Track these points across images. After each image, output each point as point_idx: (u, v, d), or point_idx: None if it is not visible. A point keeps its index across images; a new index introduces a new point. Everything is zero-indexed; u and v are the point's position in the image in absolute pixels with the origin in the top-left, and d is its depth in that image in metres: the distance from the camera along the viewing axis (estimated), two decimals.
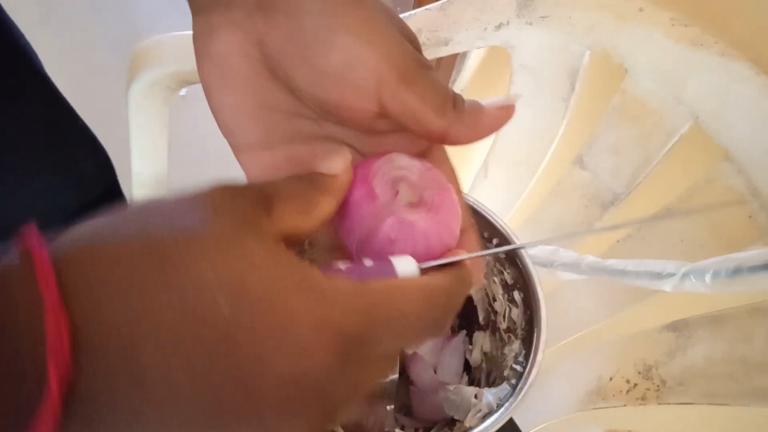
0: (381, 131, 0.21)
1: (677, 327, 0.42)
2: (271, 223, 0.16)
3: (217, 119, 0.22)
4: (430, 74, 0.20)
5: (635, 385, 0.43)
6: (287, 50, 0.19)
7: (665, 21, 0.43)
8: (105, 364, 0.13)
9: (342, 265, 0.18)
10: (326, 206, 0.19)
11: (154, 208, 0.15)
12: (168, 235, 0.14)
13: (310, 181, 0.19)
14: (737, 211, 0.40)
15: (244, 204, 0.16)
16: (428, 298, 0.17)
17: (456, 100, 0.20)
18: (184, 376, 0.13)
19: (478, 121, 0.20)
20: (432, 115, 0.19)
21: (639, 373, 0.43)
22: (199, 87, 0.57)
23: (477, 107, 0.20)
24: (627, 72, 0.45)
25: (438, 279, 0.18)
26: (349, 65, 0.19)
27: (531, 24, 0.49)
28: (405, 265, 0.18)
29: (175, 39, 0.50)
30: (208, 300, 0.14)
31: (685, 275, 0.30)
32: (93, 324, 0.13)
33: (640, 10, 0.44)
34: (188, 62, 0.49)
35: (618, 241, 0.47)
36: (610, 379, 0.45)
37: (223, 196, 0.16)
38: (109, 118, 0.69)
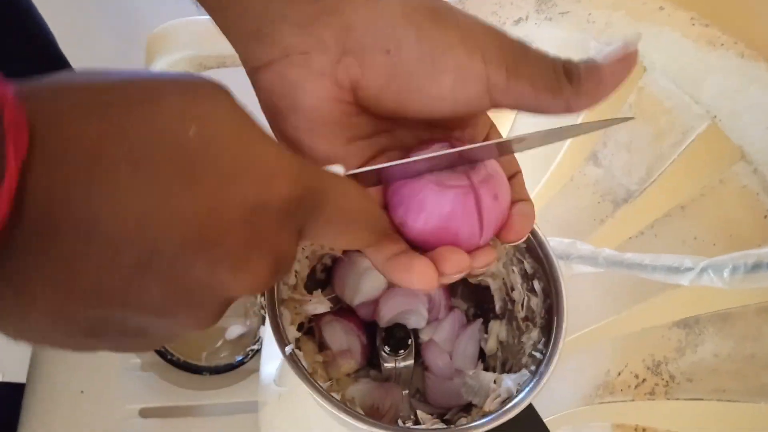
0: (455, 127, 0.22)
1: (687, 324, 0.42)
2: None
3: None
4: (532, 54, 0.19)
5: (644, 380, 0.43)
6: (391, 88, 0.19)
7: (685, 20, 0.43)
8: (63, 162, 0.13)
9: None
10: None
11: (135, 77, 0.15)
12: (137, 79, 0.14)
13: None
14: (751, 210, 0.40)
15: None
16: (364, 198, 0.18)
17: (569, 71, 0.19)
18: (150, 187, 0.13)
19: (599, 86, 0.19)
20: (548, 96, 0.19)
21: (648, 368, 0.43)
22: (210, 73, 0.57)
23: (594, 70, 0.19)
24: (645, 70, 0.45)
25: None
26: (460, 82, 0.19)
27: (550, 20, 0.49)
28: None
29: (194, 23, 0.50)
30: (175, 123, 0.14)
31: (703, 270, 0.31)
32: (52, 133, 0.13)
33: (660, 8, 0.45)
34: (208, 47, 0.49)
35: (630, 238, 0.47)
36: (619, 373, 0.45)
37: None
38: None
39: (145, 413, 0.54)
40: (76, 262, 0.13)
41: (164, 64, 0.50)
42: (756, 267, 0.29)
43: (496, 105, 0.20)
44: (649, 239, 0.46)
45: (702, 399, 0.39)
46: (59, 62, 0.52)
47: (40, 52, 0.50)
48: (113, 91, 0.14)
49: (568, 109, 0.20)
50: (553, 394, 0.47)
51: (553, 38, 0.50)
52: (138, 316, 0.15)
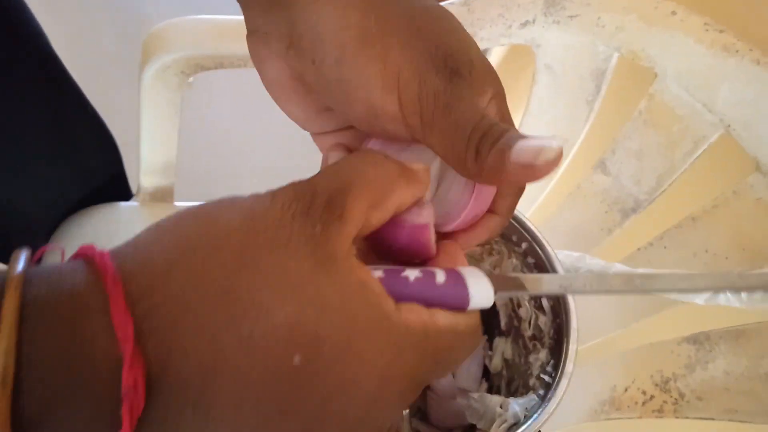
0: None
1: (697, 340, 0.41)
2: (344, 229, 0.16)
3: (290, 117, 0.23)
4: (455, 111, 0.18)
5: (652, 397, 0.42)
6: (320, 93, 0.20)
7: (698, 26, 0.42)
8: (175, 406, 0.13)
9: (411, 274, 0.17)
10: (402, 195, 0.18)
11: (222, 227, 0.15)
12: (240, 274, 0.14)
13: (389, 166, 0.18)
14: (766, 223, 0.39)
15: (316, 223, 0.15)
16: (472, 337, 0.18)
17: (481, 145, 0.18)
18: (251, 421, 0.14)
19: (497, 175, 0.18)
20: (454, 162, 0.19)
21: (656, 385, 0.42)
22: (207, 74, 0.55)
23: (499, 161, 0.18)
24: (656, 76, 0.44)
25: (475, 318, 0.18)
26: (374, 116, 0.19)
27: (558, 23, 0.48)
28: (480, 293, 0.17)
29: (192, 23, 0.48)
30: (280, 351, 0.14)
31: (719, 289, 0.29)
32: (167, 370, 0.13)
33: (673, 13, 0.43)
34: (205, 47, 0.48)
35: (638, 249, 0.46)
36: (626, 389, 0.44)
37: (295, 215, 0.15)
38: (116, 102, 0.68)
39: None
40: None
41: (160, 63, 0.49)
42: None
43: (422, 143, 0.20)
44: (659, 251, 0.45)
45: (713, 419, 0.37)
46: (50, 62, 0.51)
47: (30, 52, 0.49)
48: (219, 316, 0.14)
49: (471, 179, 0.20)
50: (557, 408, 0.46)
51: (560, 42, 0.49)
52: None
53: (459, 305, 0.17)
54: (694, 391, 0.40)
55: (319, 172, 0.17)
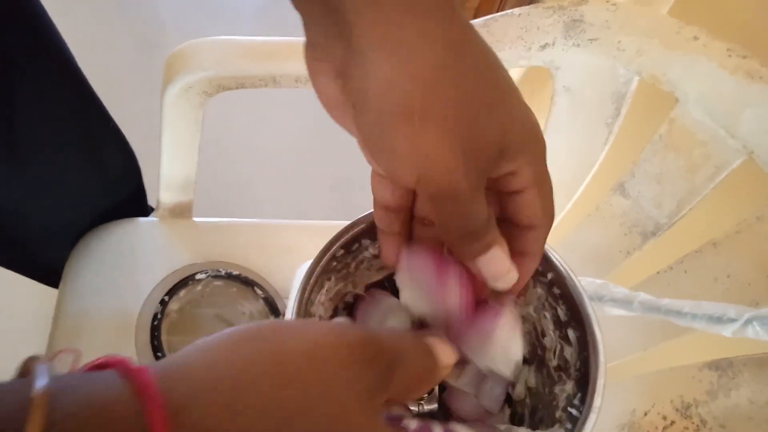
0: None
1: (720, 366, 0.41)
2: (386, 394, 0.18)
3: None
4: (463, 207, 0.20)
5: (672, 422, 0.42)
6: (356, 127, 0.21)
7: (721, 51, 0.42)
8: None
9: (410, 425, 0.21)
10: (426, 391, 0.22)
11: (285, 359, 0.16)
12: (300, 416, 0.16)
13: (429, 365, 0.20)
14: None
15: (378, 375, 0.18)
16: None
17: (465, 238, 0.20)
18: None
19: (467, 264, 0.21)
20: (452, 243, 0.21)
21: (676, 410, 0.42)
22: (227, 92, 0.55)
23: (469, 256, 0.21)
24: (677, 101, 0.44)
25: None
26: (393, 178, 0.20)
27: (578, 46, 0.48)
28: None
29: (214, 44, 0.49)
30: None
31: (747, 321, 0.29)
32: None
33: (695, 38, 0.43)
34: (227, 68, 0.48)
35: (658, 273, 0.46)
36: (645, 414, 0.43)
37: (362, 361, 0.17)
38: (133, 117, 0.69)
39: None
40: None
41: (183, 83, 0.49)
42: None
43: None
44: (679, 275, 0.45)
45: None
46: (75, 78, 0.51)
47: (59, 72, 0.50)
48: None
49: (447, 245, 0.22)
50: None
51: (580, 64, 0.49)
52: None
53: None
54: (716, 419, 0.39)
55: (384, 333, 0.19)
